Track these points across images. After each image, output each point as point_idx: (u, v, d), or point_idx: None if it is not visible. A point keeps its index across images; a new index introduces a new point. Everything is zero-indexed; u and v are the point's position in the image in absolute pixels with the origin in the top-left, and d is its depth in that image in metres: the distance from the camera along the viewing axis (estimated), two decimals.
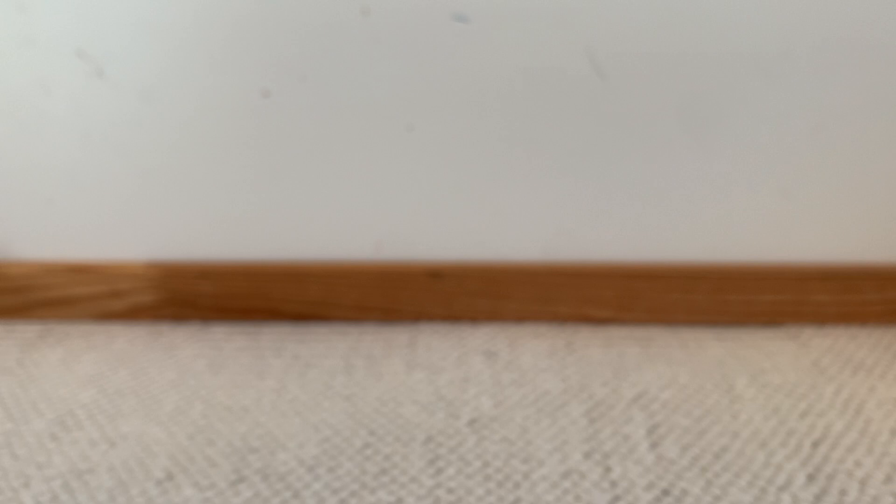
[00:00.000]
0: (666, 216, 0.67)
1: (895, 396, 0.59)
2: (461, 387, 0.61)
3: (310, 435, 0.55)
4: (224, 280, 0.69)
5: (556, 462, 0.51)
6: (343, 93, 0.63)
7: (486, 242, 0.68)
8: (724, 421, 0.56)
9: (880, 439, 0.54)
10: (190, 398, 0.59)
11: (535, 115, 0.63)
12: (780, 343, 0.66)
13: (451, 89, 0.63)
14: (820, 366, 0.63)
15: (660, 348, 0.66)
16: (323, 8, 0.60)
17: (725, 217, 0.67)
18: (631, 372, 0.62)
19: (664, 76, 0.62)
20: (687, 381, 0.61)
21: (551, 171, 0.65)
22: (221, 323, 0.70)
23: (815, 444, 0.53)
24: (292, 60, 0.62)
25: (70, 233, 0.70)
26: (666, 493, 0.49)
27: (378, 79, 0.63)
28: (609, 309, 0.69)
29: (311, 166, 0.66)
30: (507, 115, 0.64)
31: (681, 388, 0.60)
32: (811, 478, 0.50)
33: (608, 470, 0.51)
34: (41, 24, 0.62)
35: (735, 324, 0.69)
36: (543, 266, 0.68)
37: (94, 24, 0.62)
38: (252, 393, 0.60)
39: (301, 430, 0.55)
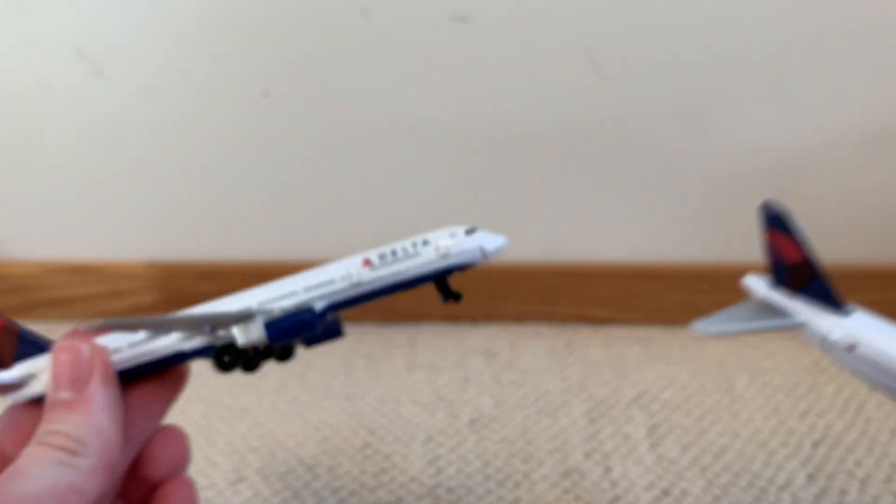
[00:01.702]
0: (665, 216, 0.67)
1: None
2: (461, 387, 0.61)
3: (310, 435, 0.55)
4: (224, 280, 0.69)
5: (557, 462, 0.51)
6: (343, 93, 0.63)
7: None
8: (724, 421, 0.56)
9: (880, 439, 0.54)
10: (190, 398, 0.59)
11: (535, 115, 0.63)
12: (780, 343, 0.66)
13: (450, 89, 0.63)
14: (820, 366, 0.63)
15: (660, 348, 0.66)
16: (323, 8, 0.60)
17: (725, 217, 0.67)
18: (631, 372, 0.62)
19: (663, 76, 0.62)
20: (687, 381, 0.61)
21: (552, 169, 0.65)
22: None
23: (815, 444, 0.53)
24: (292, 60, 0.62)
25: (70, 233, 0.70)
26: (666, 493, 0.49)
27: (378, 79, 0.63)
28: (609, 309, 0.69)
29: (310, 166, 0.66)
30: (508, 114, 0.63)
31: (681, 388, 0.60)
32: (811, 478, 0.50)
33: (608, 470, 0.51)
34: (41, 24, 0.62)
35: None
36: (543, 266, 0.68)
37: (94, 24, 0.62)
38: (252, 393, 0.60)
39: (301, 430, 0.55)
